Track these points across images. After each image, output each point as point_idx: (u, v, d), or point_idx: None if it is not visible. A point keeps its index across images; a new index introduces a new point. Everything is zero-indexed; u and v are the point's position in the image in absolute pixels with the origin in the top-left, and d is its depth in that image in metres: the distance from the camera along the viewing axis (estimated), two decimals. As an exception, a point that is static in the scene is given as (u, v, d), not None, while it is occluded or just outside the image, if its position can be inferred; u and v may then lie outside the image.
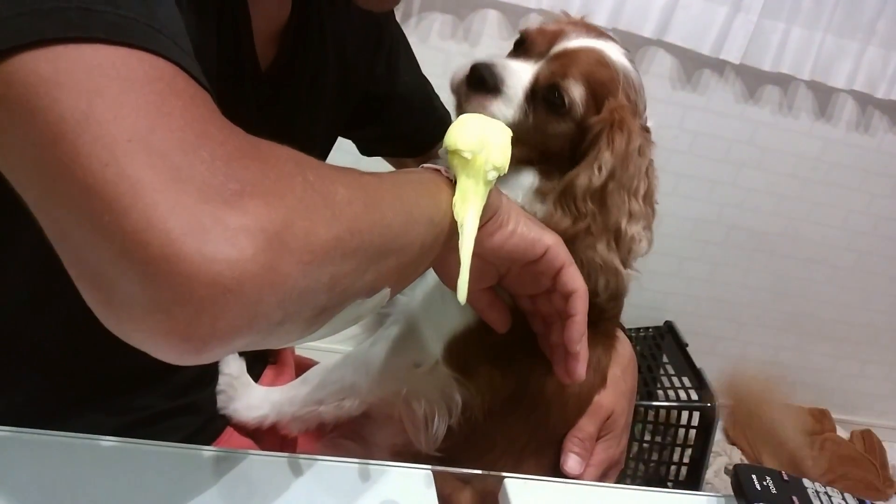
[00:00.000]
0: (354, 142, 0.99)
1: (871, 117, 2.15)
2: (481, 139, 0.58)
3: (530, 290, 0.66)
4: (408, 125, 0.96)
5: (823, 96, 2.11)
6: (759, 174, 2.19)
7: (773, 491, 0.63)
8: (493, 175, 0.57)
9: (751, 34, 1.94)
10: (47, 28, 0.37)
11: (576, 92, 0.71)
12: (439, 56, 1.90)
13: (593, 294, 0.70)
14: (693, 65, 2.03)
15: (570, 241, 0.69)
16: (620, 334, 0.83)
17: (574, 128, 0.72)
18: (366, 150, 1.01)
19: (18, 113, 0.36)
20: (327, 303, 0.43)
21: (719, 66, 2.03)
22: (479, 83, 0.71)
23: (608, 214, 0.70)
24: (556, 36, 0.74)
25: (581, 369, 0.65)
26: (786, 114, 2.13)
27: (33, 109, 0.36)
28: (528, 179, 0.74)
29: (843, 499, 0.65)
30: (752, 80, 2.07)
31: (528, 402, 0.75)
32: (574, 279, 0.63)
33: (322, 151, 0.89)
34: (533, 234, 0.62)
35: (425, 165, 0.60)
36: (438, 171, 0.58)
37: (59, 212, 0.37)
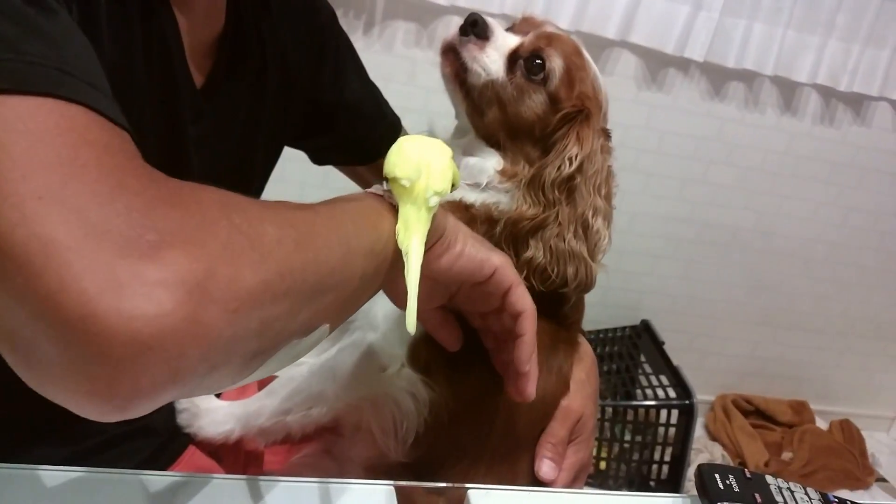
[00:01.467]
0: (305, 151, 0.98)
1: (836, 110, 2.18)
2: (419, 165, 0.57)
3: (480, 307, 0.66)
4: (357, 132, 0.95)
5: (788, 91, 2.13)
6: (728, 170, 2.21)
7: (736, 489, 0.63)
8: (434, 201, 0.56)
9: (713, 32, 1.95)
10: None
11: (555, 62, 0.77)
12: (404, 63, 1.90)
13: (562, 284, 0.73)
14: (657, 64, 2.04)
15: (538, 229, 0.72)
16: (581, 339, 0.84)
17: (546, 102, 0.76)
18: (317, 159, 1.00)
19: None
20: (258, 348, 0.41)
21: (684, 64, 2.04)
22: (473, 25, 0.77)
23: (575, 206, 0.73)
24: (540, 24, 0.82)
25: (531, 388, 0.64)
26: (752, 109, 2.15)
27: None
28: (493, 161, 0.78)
29: (806, 493, 0.65)
30: (717, 78, 2.08)
31: (493, 405, 0.75)
32: (522, 299, 0.63)
33: (266, 162, 0.88)
34: (481, 255, 0.61)
35: (367, 191, 0.59)
36: (380, 196, 0.57)
37: None
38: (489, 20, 0.79)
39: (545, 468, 0.74)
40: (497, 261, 0.62)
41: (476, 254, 0.61)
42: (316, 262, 0.45)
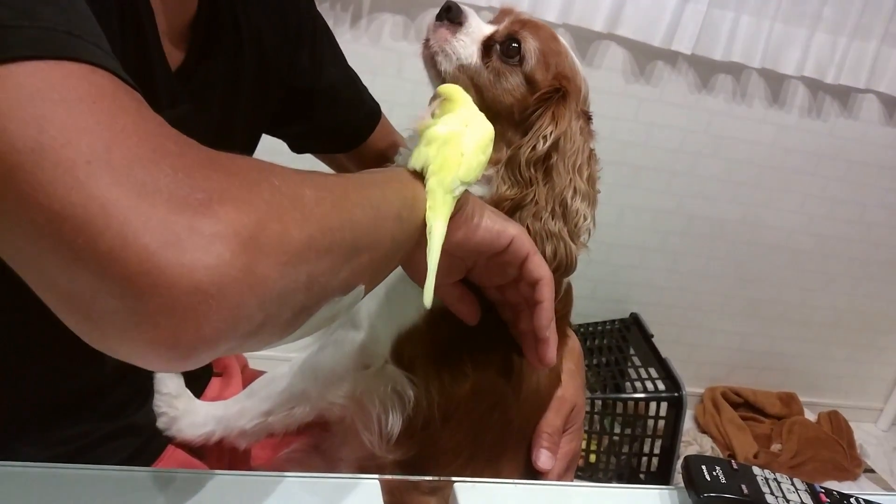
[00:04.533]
0: (284, 139, 0.96)
1: (822, 102, 2.18)
2: (448, 154, 0.58)
3: (497, 280, 0.67)
4: (336, 119, 0.94)
5: (775, 83, 2.14)
6: (716, 163, 2.21)
7: (723, 480, 0.63)
8: (459, 190, 0.58)
9: (701, 24, 1.95)
10: None
11: (531, 44, 0.77)
12: (391, 56, 1.89)
13: None
14: (645, 57, 2.04)
15: (516, 209, 0.72)
16: (570, 331, 0.84)
17: (523, 84, 0.77)
18: (296, 147, 0.98)
19: None
20: (305, 302, 0.44)
21: (671, 57, 2.04)
22: (447, 11, 0.78)
23: (553, 185, 0.73)
24: (518, 14, 0.82)
25: (552, 353, 0.66)
26: (739, 102, 2.15)
27: None
28: None
29: (793, 484, 0.65)
30: (705, 70, 2.09)
31: (487, 401, 0.74)
32: (540, 267, 0.64)
33: (245, 150, 0.86)
34: (497, 226, 0.63)
35: (395, 165, 0.60)
36: (405, 169, 0.59)
37: (25, 242, 0.37)
38: (464, 7, 0.79)
39: (542, 458, 0.75)
40: (513, 231, 0.63)
41: (493, 225, 0.62)
42: (351, 222, 0.47)
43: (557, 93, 0.75)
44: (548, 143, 0.73)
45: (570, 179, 0.74)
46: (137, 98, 0.40)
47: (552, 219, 0.73)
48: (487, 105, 0.77)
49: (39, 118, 0.36)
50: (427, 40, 0.79)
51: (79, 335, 0.39)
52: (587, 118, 0.79)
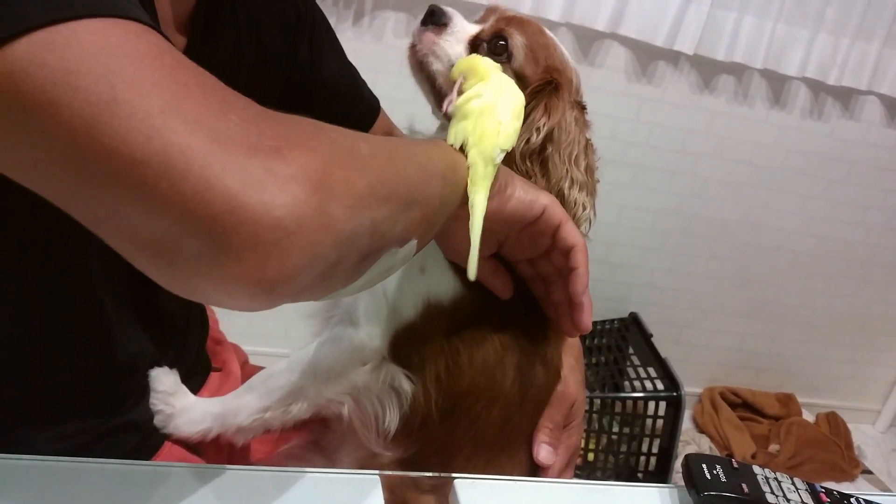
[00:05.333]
0: None
1: (824, 104, 2.18)
2: (488, 125, 0.60)
3: (529, 253, 0.69)
4: (335, 113, 0.92)
5: (777, 84, 2.14)
6: (717, 163, 2.21)
7: (723, 479, 0.63)
8: (500, 157, 0.60)
9: (703, 25, 1.95)
10: (30, 13, 0.37)
11: (518, 40, 0.77)
12: (394, 54, 1.87)
13: None
14: (647, 57, 2.04)
15: None
16: None
17: (513, 80, 0.76)
18: None
19: (35, 108, 0.37)
20: (370, 247, 0.46)
21: (674, 57, 2.04)
22: (431, 14, 0.78)
23: (549, 177, 0.74)
24: (504, 11, 0.83)
25: (588, 319, 0.68)
26: (741, 102, 2.15)
27: (54, 101, 0.36)
28: None
29: (793, 483, 0.65)
30: (707, 71, 2.08)
31: (485, 397, 0.74)
32: (573, 234, 0.66)
33: None
34: (530, 195, 0.64)
35: (432, 137, 0.62)
36: (441, 139, 0.61)
37: (104, 193, 0.38)
38: (447, 9, 0.79)
39: (543, 453, 0.75)
40: (545, 200, 0.65)
41: (525, 195, 0.64)
42: (405, 176, 0.49)
43: (549, 85, 0.76)
44: (541, 135, 0.73)
45: (567, 170, 0.74)
46: (184, 56, 0.42)
47: None
48: None
49: (109, 73, 0.37)
50: (413, 45, 0.79)
51: (161, 282, 0.40)
52: (581, 109, 0.79)
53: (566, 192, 0.74)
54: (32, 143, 0.38)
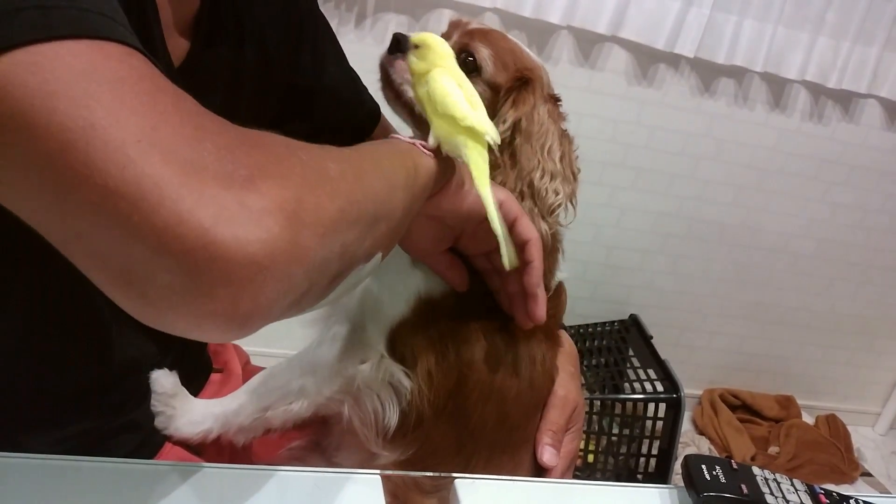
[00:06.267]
0: None
1: (824, 107, 2.19)
2: (473, 112, 0.61)
3: (485, 247, 0.70)
4: (337, 118, 0.93)
5: (777, 87, 2.14)
6: (717, 166, 2.21)
7: (723, 480, 0.63)
8: (489, 138, 0.61)
9: (704, 28, 1.96)
10: (14, 32, 0.36)
11: (484, 52, 0.79)
12: (395, 57, 1.89)
13: None
14: (648, 60, 2.04)
15: None
16: (563, 332, 0.84)
17: (487, 90, 0.79)
18: None
19: (12, 127, 0.36)
20: (339, 269, 0.46)
21: (674, 60, 2.05)
22: (397, 44, 0.78)
23: (520, 168, 0.76)
24: (466, 24, 0.84)
25: (541, 311, 0.70)
26: (741, 106, 2.15)
27: (30, 123, 0.36)
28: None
29: (792, 485, 0.65)
30: (707, 74, 2.09)
31: (480, 395, 0.75)
32: (528, 229, 0.68)
33: None
34: None
35: (393, 136, 0.63)
36: (403, 139, 0.61)
37: (76, 220, 0.37)
38: (411, 35, 0.80)
39: (547, 455, 0.76)
40: (501, 195, 0.67)
41: None
42: (373, 193, 0.50)
43: (519, 81, 0.78)
44: (507, 125, 0.76)
45: (539, 161, 0.76)
46: (167, 79, 0.41)
47: (522, 199, 0.75)
48: None
49: (88, 97, 0.36)
50: (387, 76, 0.79)
51: (132, 313, 0.40)
52: (555, 101, 0.81)
53: (536, 182, 0.75)
54: (6, 163, 0.37)
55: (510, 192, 0.74)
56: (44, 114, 0.36)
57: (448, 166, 0.63)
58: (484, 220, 0.64)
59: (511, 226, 0.67)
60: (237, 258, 0.37)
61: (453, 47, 0.80)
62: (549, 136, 0.77)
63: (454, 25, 0.84)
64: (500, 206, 0.65)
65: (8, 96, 0.36)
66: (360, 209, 0.47)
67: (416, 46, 0.63)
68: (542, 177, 0.75)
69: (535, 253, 0.68)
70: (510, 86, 0.78)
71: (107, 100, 0.37)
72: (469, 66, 0.79)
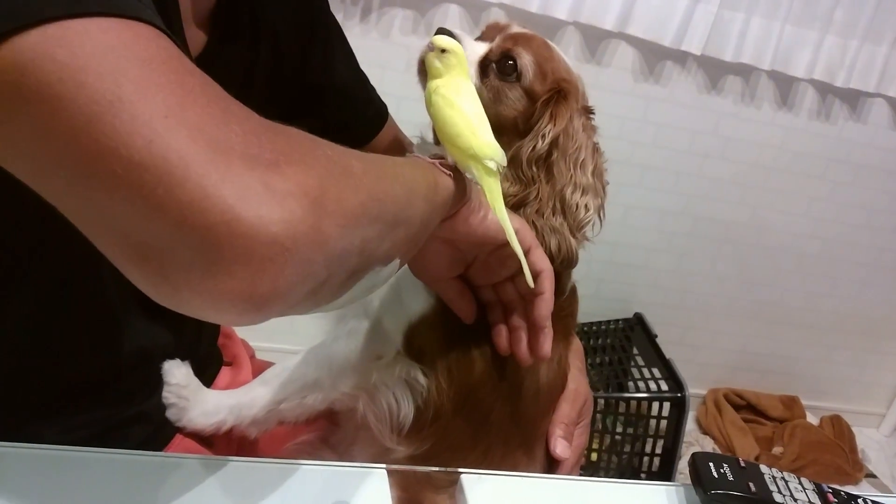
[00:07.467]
0: None
1: (832, 106, 2.18)
2: (483, 141, 0.60)
3: (495, 277, 0.69)
4: (345, 117, 0.94)
5: (784, 86, 2.13)
6: (723, 164, 2.20)
7: (731, 478, 0.63)
8: (493, 164, 0.60)
9: (711, 25, 1.95)
10: (45, 6, 0.36)
11: (526, 58, 0.79)
12: (401, 51, 1.88)
13: (550, 258, 0.73)
14: (655, 57, 2.04)
15: (520, 206, 0.75)
16: (573, 332, 0.85)
17: (524, 97, 0.79)
18: None
19: (39, 99, 0.36)
20: (357, 266, 0.46)
21: (681, 57, 2.04)
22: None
23: (554, 182, 0.75)
24: (506, 27, 0.83)
25: (548, 346, 0.68)
26: (748, 104, 2.14)
27: (57, 95, 0.36)
28: None
29: (800, 483, 0.65)
30: (714, 71, 2.08)
31: (495, 393, 0.75)
32: (541, 260, 0.67)
33: None
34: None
35: (414, 155, 0.62)
36: (425, 159, 0.60)
37: (98, 193, 0.37)
38: (456, 32, 0.80)
39: (560, 447, 0.76)
40: (517, 223, 0.65)
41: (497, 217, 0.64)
42: (394, 195, 0.49)
43: (557, 94, 0.78)
44: (547, 141, 0.75)
45: (571, 176, 0.76)
46: (195, 65, 0.41)
47: (553, 215, 0.75)
48: (491, 121, 0.78)
49: (116, 73, 0.36)
50: (421, 73, 0.78)
51: (147, 290, 0.39)
52: (588, 113, 0.81)
53: (568, 196, 0.75)
54: (32, 136, 0.37)
55: (539, 211, 0.74)
56: (71, 87, 0.36)
57: (465, 188, 0.62)
58: (497, 248, 0.65)
59: (524, 255, 0.65)
60: (259, 237, 0.37)
61: (494, 51, 0.80)
62: (582, 149, 0.77)
63: (493, 28, 0.84)
64: (516, 234, 0.63)
65: (37, 69, 0.36)
66: (382, 208, 0.47)
67: (443, 51, 0.62)
68: (573, 191, 0.75)
69: (548, 285, 0.67)
70: (548, 97, 0.78)
71: (135, 75, 0.37)
72: (508, 70, 0.79)
